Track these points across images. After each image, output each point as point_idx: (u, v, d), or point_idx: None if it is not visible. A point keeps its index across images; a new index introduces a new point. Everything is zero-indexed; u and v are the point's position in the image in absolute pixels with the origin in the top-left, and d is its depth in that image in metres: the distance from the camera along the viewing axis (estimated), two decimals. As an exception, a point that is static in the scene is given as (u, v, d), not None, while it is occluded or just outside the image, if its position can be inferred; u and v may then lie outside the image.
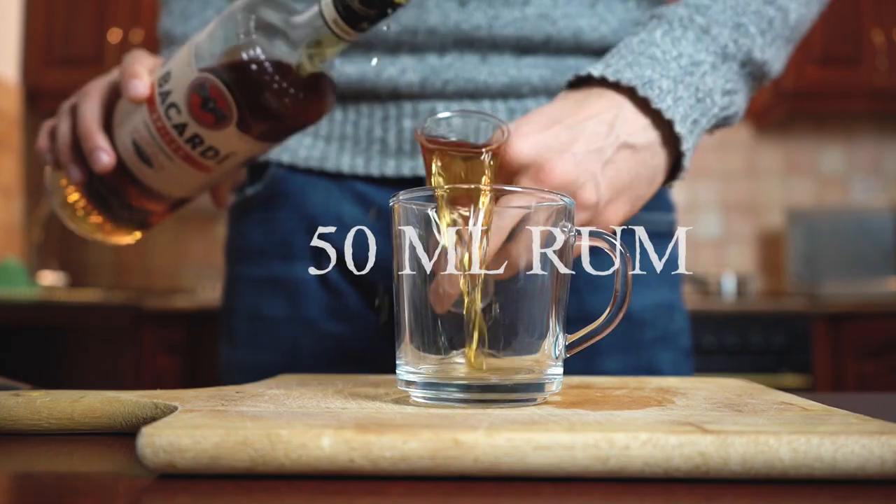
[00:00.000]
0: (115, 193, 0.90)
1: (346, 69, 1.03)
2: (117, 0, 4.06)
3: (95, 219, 0.93)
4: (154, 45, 1.12)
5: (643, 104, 0.81)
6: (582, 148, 0.77)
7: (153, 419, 0.60)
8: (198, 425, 0.48)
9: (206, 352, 3.54)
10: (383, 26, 0.76)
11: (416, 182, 1.02)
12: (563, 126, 0.77)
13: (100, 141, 0.87)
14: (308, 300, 1.08)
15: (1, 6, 4.03)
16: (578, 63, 1.02)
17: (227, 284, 1.16)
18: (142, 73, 0.86)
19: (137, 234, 0.97)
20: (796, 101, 3.88)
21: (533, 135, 0.76)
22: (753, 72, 0.89)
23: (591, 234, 0.66)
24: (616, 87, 0.81)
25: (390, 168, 1.04)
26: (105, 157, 0.87)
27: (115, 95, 0.91)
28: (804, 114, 4.22)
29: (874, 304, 3.54)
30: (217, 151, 0.84)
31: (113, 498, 0.46)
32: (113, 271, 4.60)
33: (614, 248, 0.65)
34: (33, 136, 4.24)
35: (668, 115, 0.81)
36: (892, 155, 4.43)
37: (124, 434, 0.62)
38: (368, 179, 1.05)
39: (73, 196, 0.92)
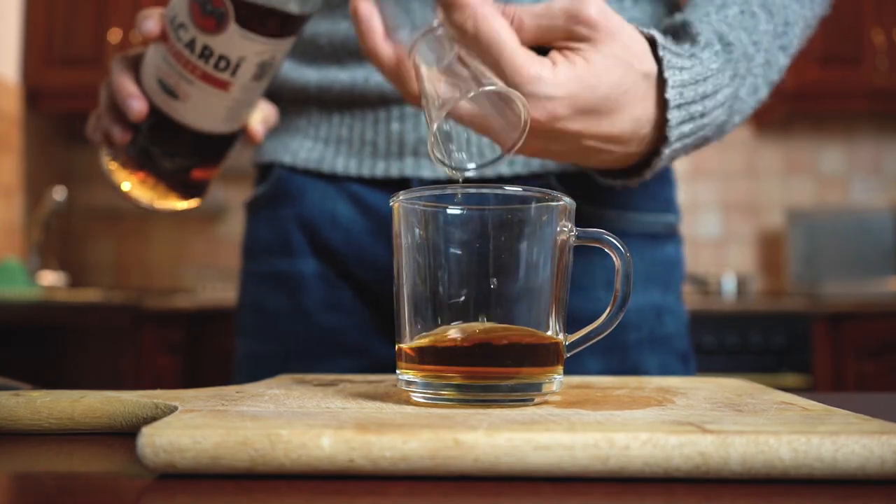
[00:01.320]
0: (155, 143, 0.93)
1: (339, 76, 1.07)
2: (117, 0, 4.07)
3: (148, 182, 0.96)
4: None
5: (660, 112, 0.80)
6: (574, 127, 0.75)
7: (153, 419, 0.60)
8: (198, 425, 0.48)
9: (206, 352, 3.54)
10: None
11: (404, 182, 1.05)
12: (592, 112, 0.75)
13: (130, 89, 0.91)
14: (306, 294, 1.11)
15: (1, 6, 4.03)
16: None
17: (240, 280, 1.20)
18: (152, 13, 0.90)
19: (192, 201, 0.99)
20: (796, 101, 3.88)
21: (562, 99, 0.73)
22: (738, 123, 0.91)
23: (589, 235, 0.65)
24: (663, 85, 0.79)
25: (380, 169, 1.06)
26: (137, 103, 0.90)
27: (140, 57, 0.95)
28: (804, 114, 4.22)
29: (874, 304, 3.54)
30: (228, 60, 0.86)
31: (113, 498, 0.46)
32: (113, 271, 4.60)
33: (614, 248, 0.65)
34: (33, 136, 4.25)
35: (665, 148, 0.81)
36: (892, 155, 4.43)
37: (124, 434, 0.62)
38: (361, 180, 1.08)
39: (127, 166, 0.96)
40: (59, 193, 3.97)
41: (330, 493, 0.45)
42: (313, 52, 1.09)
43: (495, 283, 0.62)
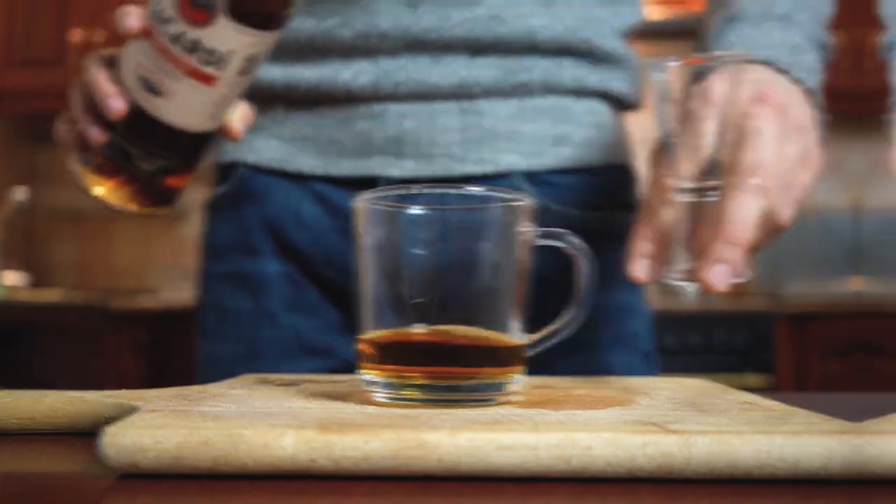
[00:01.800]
0: (134, 143, 0.91)
1: (305, 74, 1.06)
2: (78, 0, 4.04)
3: (122, 185, 0.94)
4: (116, 45, 1.13)
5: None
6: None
7: (116, 419, 0.60)
8: (160, 425, 0.48)
9: (173, 352, 3.52)
10: None
11: (370, 182, 1.03)
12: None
13: (109, 88, 0.89)
14: (270, 294, 1.10)
15: (-38, 6, 4.00)
16: (531, 63, 1.03)
17: (200, 280, 1.18)
18: (131, 10, 0.88)
19: (165, 206, 0.97)
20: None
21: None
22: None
23: (551, 234, 0.66)
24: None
25: (345, 168, 1.06)
26: (116, 102, 0.88)
27: (115, 57, 0.92)
28: (767, 115, 4.24)
29: (835, 303, 3.57)
30: (216, 54, 0.85)
31: (75, 498, 0.46)
32: (77, 271, 4.57)
33: (575, 247, 0.66)
34: (-7, 137, 4.22)
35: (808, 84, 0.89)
36: (853, 155, 4.46)
37: (86, 434, 0.61)
38: (326, 179, 1.07)
39: (102, 168, 0.93)
40: (20, 193, 3.94)
41: (292, 493, 0.45)
42: (278, 50, 1.07)
43: (456, 283, 0.62)
